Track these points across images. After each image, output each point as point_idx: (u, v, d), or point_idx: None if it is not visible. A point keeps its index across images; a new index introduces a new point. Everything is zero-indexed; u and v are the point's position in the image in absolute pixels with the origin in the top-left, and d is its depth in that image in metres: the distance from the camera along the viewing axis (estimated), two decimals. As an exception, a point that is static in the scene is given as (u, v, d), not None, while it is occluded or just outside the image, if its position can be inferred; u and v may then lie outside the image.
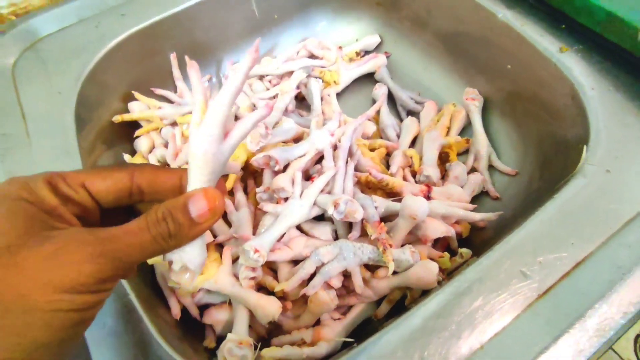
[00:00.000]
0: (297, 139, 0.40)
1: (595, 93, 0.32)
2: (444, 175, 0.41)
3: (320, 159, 0.38)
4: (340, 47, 0.51)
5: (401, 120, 0.47)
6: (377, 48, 0.53)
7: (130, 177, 0.18)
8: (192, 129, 0.18)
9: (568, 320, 0.22)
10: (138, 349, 0.24)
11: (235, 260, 0.32)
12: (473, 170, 0.42)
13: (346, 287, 0.33)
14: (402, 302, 0.32)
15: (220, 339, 0.31)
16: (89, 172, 0.17)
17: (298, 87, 0.48)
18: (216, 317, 0.31)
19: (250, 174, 0.39)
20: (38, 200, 0.16)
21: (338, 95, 0.49)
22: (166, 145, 0.43)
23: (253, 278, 0.30)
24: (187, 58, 0.17)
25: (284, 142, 0.38)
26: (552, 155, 0.35)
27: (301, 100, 0.49)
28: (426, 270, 0.28)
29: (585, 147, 0.30)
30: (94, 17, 0.42)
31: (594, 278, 0.23)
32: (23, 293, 0.13)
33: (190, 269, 0.19)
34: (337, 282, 0.30)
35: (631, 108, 0.31)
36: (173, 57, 0.46)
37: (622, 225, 0.25)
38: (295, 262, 0.33)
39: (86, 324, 0.16)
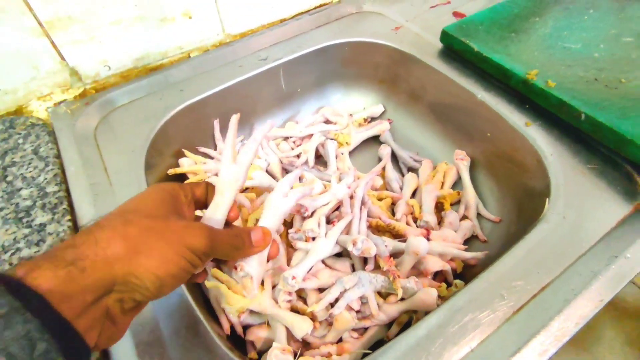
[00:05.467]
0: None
1: (554, 158, 0.42)
2: (440, 222, 0.50)
3: (338, 207, 0.47)
4: (350, 115, 0.62)
5: (403, 175, 0.56)
6: (382, 115, 0.63)
7: (205, 191, 0.30)
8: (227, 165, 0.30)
9: (535, 329, 0.29)
10: (203, 350, 0.31)
11: (273, 287, 0.39)
12: (464, 217, 0.50)
13: (363, 312, 0.40)
14: (409, 324, 0.39)
15: (260, 353, 0.37)
16: (196, 187, 0.29)
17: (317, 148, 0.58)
18: (257, 335, 0.37)
19: (281, 219, 0.47)
20: (176, 196, 0.27)
21: (350, 153, 0.59)
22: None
23: (289, 301, 0.37)
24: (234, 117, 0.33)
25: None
26: (525, 204, 0.44)
27: (319, 157, 0.59)
28: (428, 295, 0.36)
29: (547, 199, 0.39)
30: (158, 92, 0.53)
31: (553, 298, 0.31)
32: (170, 241, 0.23)
33: (250, 274, 0.29)
34: (356, 305, 0.37)
35: (581, 169, 0.40)
36: (216, 123, 0.56)
37: (574, 260, 0.33)
38: (321, 290, 0.40)
39: (184, 279, 0.24)
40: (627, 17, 0.51)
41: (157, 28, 0.53)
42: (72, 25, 0.47)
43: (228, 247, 0.27)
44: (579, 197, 0.38)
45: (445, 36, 0.54)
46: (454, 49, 0.53)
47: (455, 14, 0.61)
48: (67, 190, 0.41)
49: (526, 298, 0.32)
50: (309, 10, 0.64)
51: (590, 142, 0.42)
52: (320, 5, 0.65)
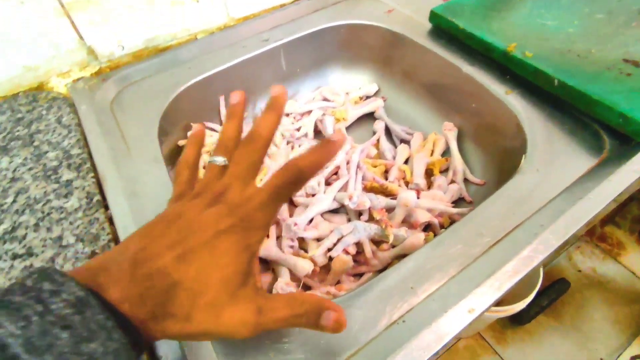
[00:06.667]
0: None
1: (530, 121, 0.46)
2: (430, 186, 0.54)
3: (337, 172, 0.51)
4: (347, 93, 0.66)
5: (396, 147, 0.61)
6: (376, 94, 0.68)
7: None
8: None
9: (506, 259, 0.33)
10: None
11: (278, 238, 0.43)
12: (452, 182, 0.54)
13: (358, 260, 0.44)
14: (400, 271, 0.43)
15: (266, 295, 0.41)
16: None
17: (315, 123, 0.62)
18: (263, 280, 0.41)
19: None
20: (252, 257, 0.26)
21: (347, 129, 0.63)
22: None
23: (292, 247, 0.41)
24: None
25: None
26: (505, 166, 0.48)
27: (318, 133, 0.63)
28: (417, 238, 0.40)
29: (524, 156, 0.43)
30: (168, 70, 0.57)
31: (522, 236, 0.35)
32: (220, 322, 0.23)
33: None
34: (352, 250, 0.41)
35: (553, 130, 0.44)
36: (221, 99, 0.60)
37: (542, 205, 0.37)
38: (320, 240, 0.44)
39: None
40: (600, -3, 0.55)
41: (167, 12, 0.57)
42: (90, 6, 0.51)
43: (286, 323, 0.25)
44: (552, 154, 0.42)
45: (433, 16, 0.58)
46: (441, 28, 0.58)
47: (444, -3, 0.66)
48: (89, 153, 0.45)
49: (502, 234, 0.36)
50: (307, -4, 0.68)
51: (563, 106, 0.46)
52: (318, -8, 0.69)
